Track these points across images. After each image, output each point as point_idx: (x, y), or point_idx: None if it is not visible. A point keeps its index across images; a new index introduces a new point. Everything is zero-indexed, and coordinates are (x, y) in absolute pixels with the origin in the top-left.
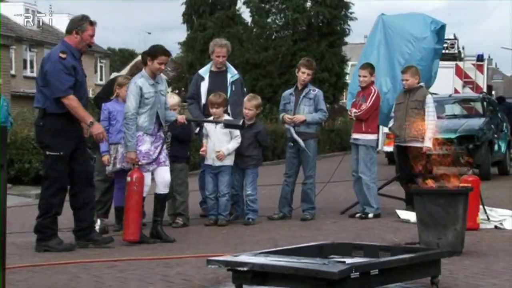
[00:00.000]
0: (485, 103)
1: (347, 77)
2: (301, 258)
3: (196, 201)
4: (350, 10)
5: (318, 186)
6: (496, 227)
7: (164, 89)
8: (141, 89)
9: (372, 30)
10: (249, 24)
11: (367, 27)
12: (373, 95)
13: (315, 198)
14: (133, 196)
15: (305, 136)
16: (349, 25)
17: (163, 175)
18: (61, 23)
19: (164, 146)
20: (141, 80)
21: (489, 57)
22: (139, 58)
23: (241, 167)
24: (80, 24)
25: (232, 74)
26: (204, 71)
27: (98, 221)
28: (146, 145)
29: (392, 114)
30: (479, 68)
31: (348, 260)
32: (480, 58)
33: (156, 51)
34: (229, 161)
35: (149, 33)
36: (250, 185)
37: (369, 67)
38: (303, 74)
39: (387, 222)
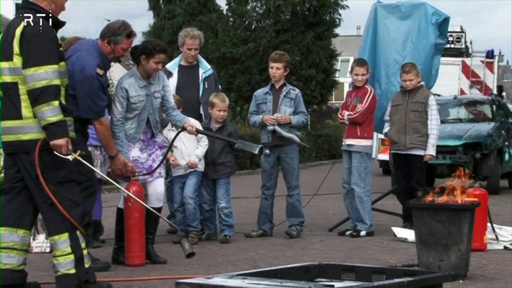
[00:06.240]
0: (494, 106)
1: (337, 74)
2: (283, 281)
3: (163, 215)
4: None
5: (303, 200)
6: (505, 247)
7: (161, 89)
8: (127, 91)
9: (368, 21)
10: (224, 12)
11: (360, 16)
12: (369, 95)
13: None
14: (132, 215)
15: (287, 141)
16: (339, 14)
17: (156, 186)
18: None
19: (160, 155)
20: (128, 81)
21: (500, 53)
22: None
23: (212, 178)
24: (116, 34)
25: (205, 69)
26: (173, 66)
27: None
28: (133, 152)
29: (387, 118)
30: (489, 66)
31: (338, 284)
32: (490, 54)
33: (153, 49)
34: (200, 167)
35: (108, 20)
36: (223, 197)
37: (367, 64)
38: (271, 69)
39: (381, 241)
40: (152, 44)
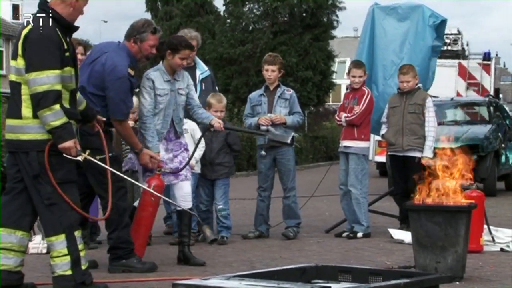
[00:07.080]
0: (491, 108)
1: (334, 75)
2: (280, 283)
3: (159, 216)
4: None
5: (300, 201)
6: (502, 249)
7: (185, 87)
8: (153, 82)
9: (365, 23)
10: (222, 13)
11: (357, 18)
12: (366, 97)
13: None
14: (146, 207)
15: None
16: (337, 16)
17: (183, 187)
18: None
19: (186, 156)
20: (154, 74)
21: (496, 55)
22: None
23: (210, 178)
24: (140, 31)
25: (202, 70)
26: None
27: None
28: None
29: (384, 120)
30: (486, 68)
31: (334, 286)
32: (486, 56)
33: (178, 44)
34: (197, 169)
35: (105, 22)
36: (221, 198)
37: (364, 66)
38: (266, 72)
39: (378, 242)
40: (178, 39)
